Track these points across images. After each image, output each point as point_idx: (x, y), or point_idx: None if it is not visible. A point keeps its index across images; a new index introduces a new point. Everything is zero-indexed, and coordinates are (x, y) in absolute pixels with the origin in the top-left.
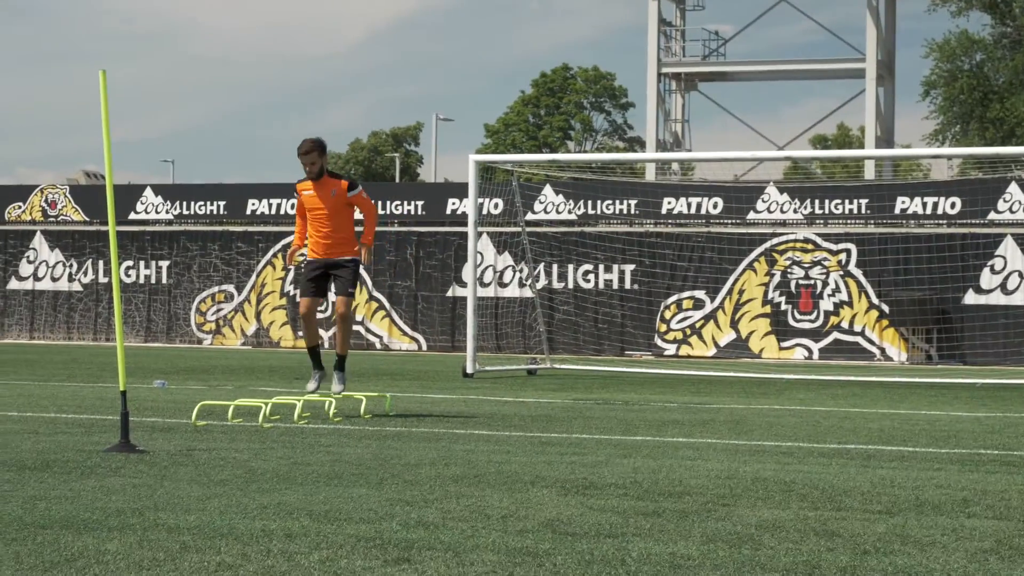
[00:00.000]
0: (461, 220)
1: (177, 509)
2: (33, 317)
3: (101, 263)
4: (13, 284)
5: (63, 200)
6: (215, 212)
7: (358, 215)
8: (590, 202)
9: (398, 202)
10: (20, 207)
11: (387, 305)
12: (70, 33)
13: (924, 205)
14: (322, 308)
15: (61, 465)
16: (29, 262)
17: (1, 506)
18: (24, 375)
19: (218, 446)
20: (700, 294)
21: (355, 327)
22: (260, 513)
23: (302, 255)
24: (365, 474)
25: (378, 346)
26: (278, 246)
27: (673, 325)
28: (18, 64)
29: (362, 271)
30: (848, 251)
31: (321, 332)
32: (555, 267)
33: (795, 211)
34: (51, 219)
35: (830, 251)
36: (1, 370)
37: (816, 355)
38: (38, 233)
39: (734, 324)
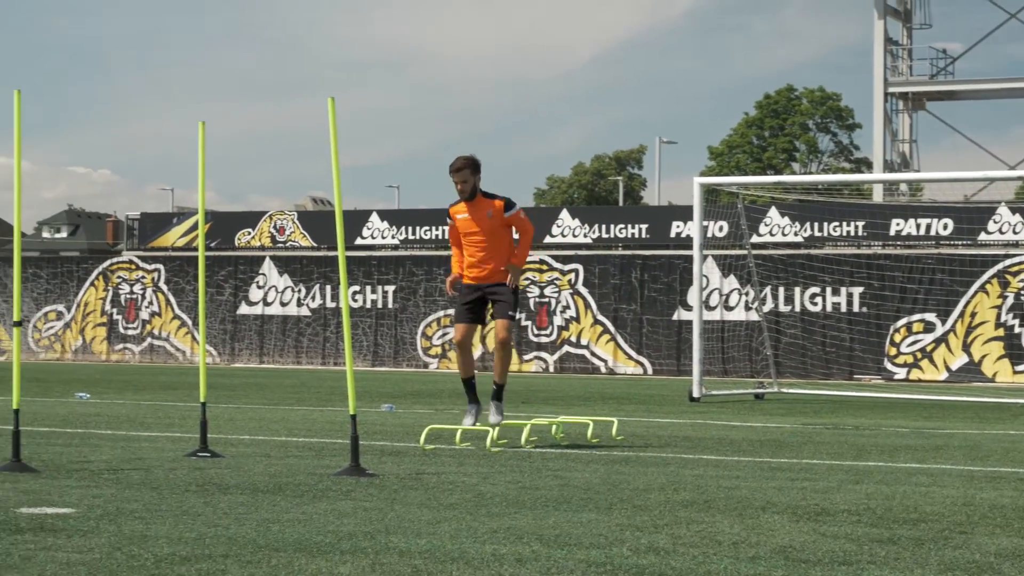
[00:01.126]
0: (686, 243)
1: (408, 533)
2: (263, 342)
3: (328, 288)
4: (243, 309)
5: (291, 226)
6: (440, 237)
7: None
8: (816, 224)
9: (622, 225)
10: (250, 233)
11: (612, 329)
12: (298, 61)
13: None
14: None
15: (293, 488)
16: (259, 287)
17: (236, 529)
18: (255, 399)
19: (446, 470)
20: (931, 317)
21: (580, 351)
22: (490, 537)
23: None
24: (594, 499)
25: (603, 370)
26: None
27: (903, 348)
28: (247, 92)
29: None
30: None
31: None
32: (781, 290)
33: None
34: (280, 245)
35: None
36: (233, 394)
37: None
38: (267, 259)
39: (966, 347)
